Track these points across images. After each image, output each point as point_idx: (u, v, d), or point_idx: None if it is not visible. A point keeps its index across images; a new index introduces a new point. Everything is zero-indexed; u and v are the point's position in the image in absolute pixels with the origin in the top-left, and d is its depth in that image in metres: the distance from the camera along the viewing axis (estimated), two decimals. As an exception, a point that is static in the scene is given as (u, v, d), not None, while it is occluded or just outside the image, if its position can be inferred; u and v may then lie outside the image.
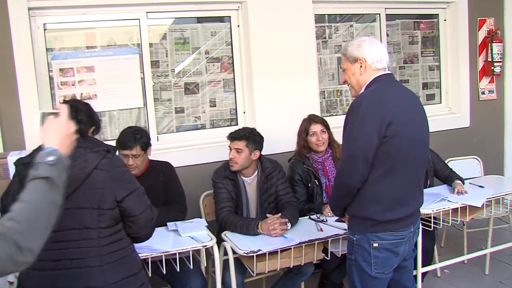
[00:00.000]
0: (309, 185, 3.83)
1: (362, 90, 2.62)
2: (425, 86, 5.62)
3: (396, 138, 2.44)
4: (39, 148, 2.30)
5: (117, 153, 2.65)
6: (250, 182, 3.67)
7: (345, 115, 2.60)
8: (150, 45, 4.30)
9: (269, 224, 3.26)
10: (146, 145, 3.43)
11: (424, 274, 3.82)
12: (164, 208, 3.43)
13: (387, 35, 5.30)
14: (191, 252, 3.05)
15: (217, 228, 3.60)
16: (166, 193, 3.59)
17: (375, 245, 2.55)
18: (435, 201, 3.66)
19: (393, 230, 2.56)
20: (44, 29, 3.97)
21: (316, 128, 3.86)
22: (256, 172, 3.68)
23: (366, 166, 2.46)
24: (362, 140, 2.44)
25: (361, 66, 2.62)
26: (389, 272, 2.65)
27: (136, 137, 3.38)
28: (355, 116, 2.48)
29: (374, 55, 2.60)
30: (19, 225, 1.44)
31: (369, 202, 2.53)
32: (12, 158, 2.75)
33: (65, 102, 2.54)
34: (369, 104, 2.45)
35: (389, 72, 2.67)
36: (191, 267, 3.08)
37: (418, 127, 2.61)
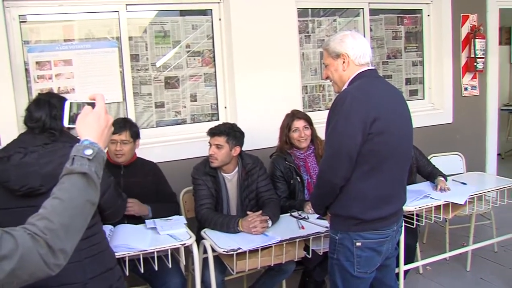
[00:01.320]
0: (291, 181, 3.79)
1: (345, 86, 2.56)
2: (408, 81, 5.60)
3: (380, 135, 2.39)
4: (15, 142, 2.22)
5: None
6: (231, 179, 3.62)
7: (328, 111, 2.54)
8: (130, 38, 4.22)
9: (250, 222, 3.21)
10: (135, 134, 3.45)
11: (406, 272, 3.80)
12: (162, 206, 3.50)
13: (371, 30, 5.27)
14: (169, 251, 2.99)
15: (197, 225, 3.54)
16: (159, 194, 3.58)
17: (358, 244, 2.50)
18: (418, 198, 3.64)
19: (377, 229, 2.52)
20: (20, 21, 3.86)
21: (298, 124, 3.81)
22: (237, 168, 3.63)
23: (349, 164, 2.40)
24: (346, 137, 2.38)
25: (343, 62, 2.55)
26: (372, 271, 2.60)
27: (126, 124, 3.41)
28: (339, 112, 2.41)
29: (357, 50, 2.54)
30: (52, 224, 1.32)
31: (353, 200, 2.47)
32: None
33: (39, 95, 2.45)
34: (353, 100, 2.39)
35: (373, 67, 2.62)
36: (170, 265, 3.02)
37: (402, 123, 2.56)
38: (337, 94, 2.58)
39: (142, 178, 3.50)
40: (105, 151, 1.55)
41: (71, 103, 1.64)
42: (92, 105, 1.60)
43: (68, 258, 1.36)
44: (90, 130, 1.53)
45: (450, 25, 5.49)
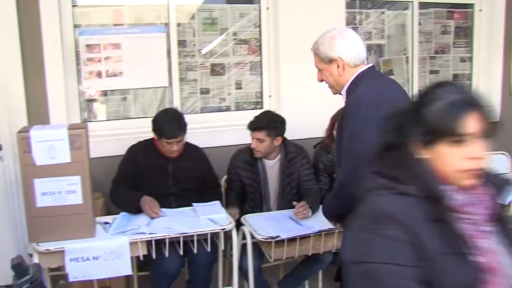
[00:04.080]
0: (333, 175, 3.78)
1: (345, 88, 2.46)
2: (455, 77, 5.49)
3: None
4: None
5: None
6: (272, 166, 3.66)
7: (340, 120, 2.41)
8: (178, 24, 4.26)
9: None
10: (186, 128, 3.50)
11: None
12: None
13: (419, 23, 5.18)
14: (209, 235, 3.04)
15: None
16: (207, 178, 3.71)
17: None
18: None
19: None
20: (73, 5, 3.95)
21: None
22: (279, 156, 3.65)
23: None
24: (368, 145, 2.22)
25: (338, 66, 2.43)
26: None
27: (180, 125, 3.44)
28: (355, 119, 2.31)
29: (350, 52, 2.42)
30: None
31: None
32: (35, 132, 2.75)
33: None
34: (368, 104, 2.27)
35: (371, 64, 2.50)
36: (209, 249, 3.08)
37: None
38: (350, 101, 2.43)
39: (190, 163, 3.57)
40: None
41: None
42: None
43: None
44: None
45: (503, 21, 5.34)
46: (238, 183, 3.66)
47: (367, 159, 2.23)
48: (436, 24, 5.31)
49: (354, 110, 2.32)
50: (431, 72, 5.30)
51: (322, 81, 2.57)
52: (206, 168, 3.71)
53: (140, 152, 3.52)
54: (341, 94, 2.52)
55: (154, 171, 3.48)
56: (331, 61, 2.44)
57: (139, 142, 3.61)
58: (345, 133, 2.35)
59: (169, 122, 3.40)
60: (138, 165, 3.47)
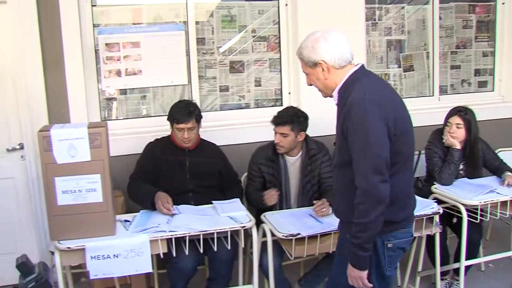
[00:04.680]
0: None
1: (336, 91, 2.39)
2: (477, 72, 5.41)
3: (402, 136, 2.27)
4: None
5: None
6: (293, 162, 3.64)
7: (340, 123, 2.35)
8: (197, 22, 4.27)
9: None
10: (199, 117, 3.54)
11: (467, 268, 3.71)
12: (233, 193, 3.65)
13: (440, 18, 5.12)
14: (229, 232, 3.03)
15: (255, 209, 3.58)
16: (226, 174, 3.73)
17: (390, 245, 2.40)
18: (483, 193, 3.53)
19: (406, 227, 2.45)
20: (92, 5, 3.98)
21: None
22: (301, 152, 3.64)
23: (388, 172, 2.24)
24: (380, 147, 2.21)
25: (323, 70, 2.36)
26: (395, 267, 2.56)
27: (190, 110, 3.48)
28: (362, 122, 2.21)
29: (333, 53, 2.33)
30: None
31: (385, 207, 2.27)
32: (55, 131, 2.76)
33: None
34: (373, 104, 2.21)
35: (361, 64, 2.42)
36: (229, 247, 3.08)
37: (406, 119, 2.40)
38: (350, 103, 2.30)
39: (207, 159, 3.60)
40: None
41: None
42: None
43: None
44: None
45: (526, 14, 5.27)
46: (259, 179, 3.65)
47: (383, 159, 2.23)
48: (457, 18, 5.25)
49: (359, 113, 2.23)
50: (452, 67, 5.24)
51: (311, 85, 2.50)
52: (223, 165, 3.72)
53: (158, 148, 3.55)
54: (331, 97, 2.46)
55: (171, 167, 3.51)
56: (315, 64, 2.38)
57: (157, 139, 3.65)
58: (352, 137, 2.26)
59: (181, 108, 3.49)
60: (156, 161, 3.50)
